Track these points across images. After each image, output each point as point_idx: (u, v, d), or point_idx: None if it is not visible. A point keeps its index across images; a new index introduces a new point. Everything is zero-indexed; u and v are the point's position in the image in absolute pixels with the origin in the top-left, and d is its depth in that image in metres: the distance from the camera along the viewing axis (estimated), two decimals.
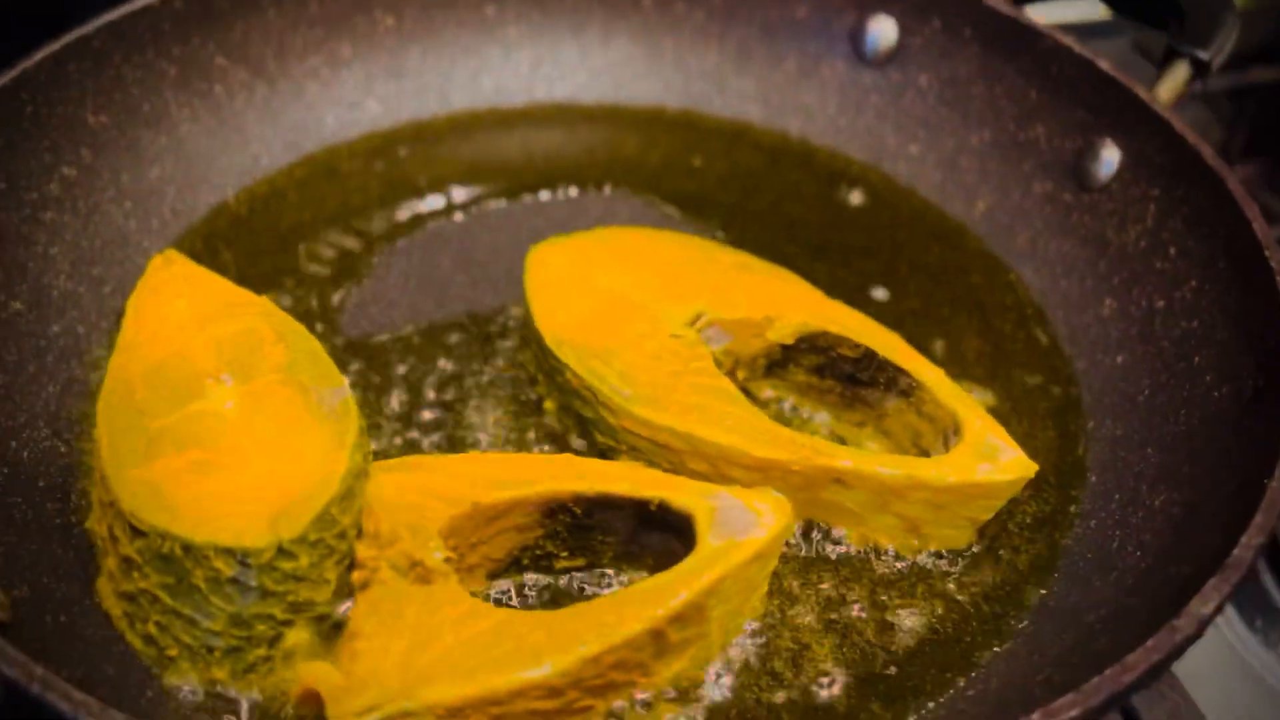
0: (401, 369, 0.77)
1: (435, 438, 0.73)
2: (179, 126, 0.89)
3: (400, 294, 0.83)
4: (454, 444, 0.72)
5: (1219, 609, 0.51)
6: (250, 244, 0.86)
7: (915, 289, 0.84)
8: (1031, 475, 0.65)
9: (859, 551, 0.67)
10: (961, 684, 0.61)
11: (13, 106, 0.77)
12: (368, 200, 0.90)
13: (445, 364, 0.77)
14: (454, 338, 0.80)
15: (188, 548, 0.56)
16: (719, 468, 0.66)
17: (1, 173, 0.76)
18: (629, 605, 0.56)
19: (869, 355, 0.71)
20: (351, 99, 0.96)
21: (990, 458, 0.64)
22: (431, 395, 0.75)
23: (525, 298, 0.74)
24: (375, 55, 0.97)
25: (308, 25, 0.94)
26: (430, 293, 0.83)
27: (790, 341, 0.72)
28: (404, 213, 0.89)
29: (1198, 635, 0.50)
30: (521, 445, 0.72)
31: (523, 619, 0.56)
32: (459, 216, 0.89)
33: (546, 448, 0.72)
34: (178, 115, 0.89)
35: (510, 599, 0.63)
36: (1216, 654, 0.79)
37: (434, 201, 0.90)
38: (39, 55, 0.79)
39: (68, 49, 0.81)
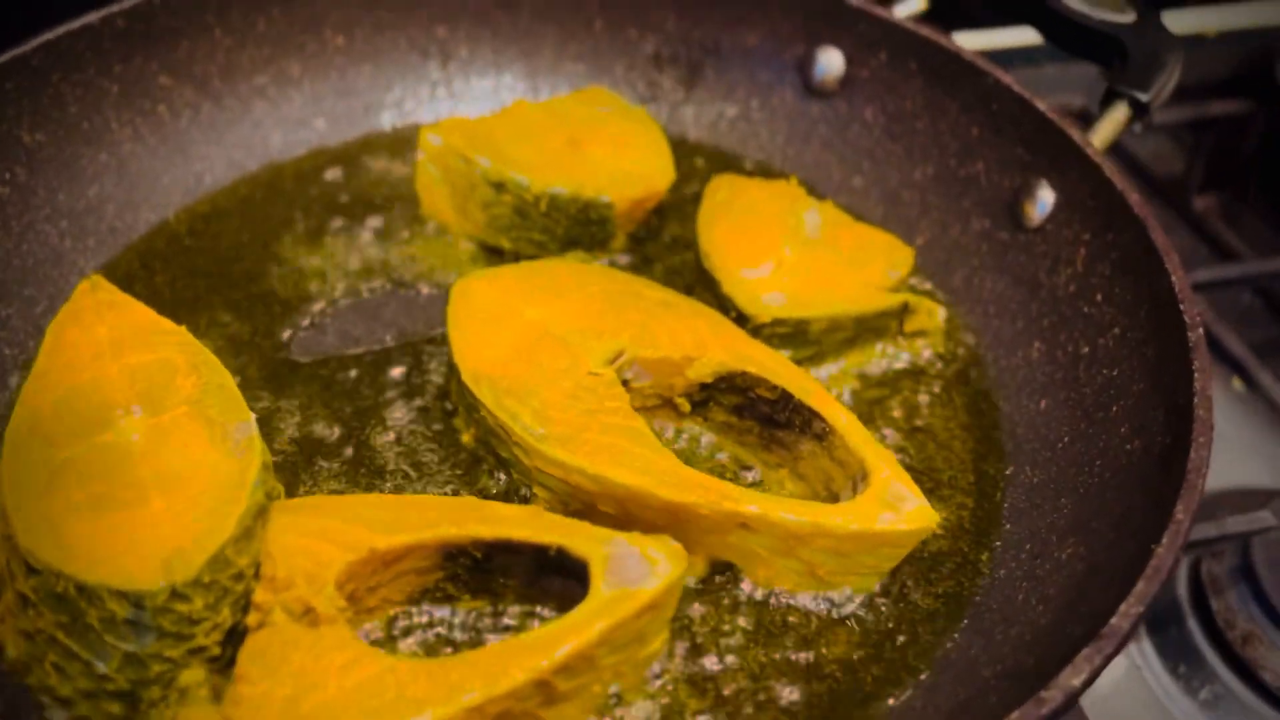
0: (324, 398, 0.77)
1: (349, 468, 0.73)
2: (120, 145, 0.89)
3: (332, 319, 0.83)
4: (368, 476, 0.72)
5: (1091, 679, 0.51)
6: (187, 264, 0.86)
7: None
8: (934, 526, 0.65)
9: (763, 596, 0.67)
10: None
11: None
12: (310, 220, 0.90)
13: (369, 393, 0.77)
14: (383, 365, 0.80)
15: (81, 588, 0.57)
16: (628, 509, 0.66)
17: None
18: (514, 655, 0.56)
19: (785, 397, 0.71)
20: (299, 117, 0.97)
21: (893, 507, 0.64)
22: (351, 425, 0.75)
23: (447, 330, 0.74)
24: (324, 74, 0.97)
25: (255, 44, 0.95)
26: (364, 318, 0.83)
27: (709, 380, 0.72)
28: (343, 234, 0.89)
29: (1068, 706, 0.50)
30: (436, 480, 0.72)
31: (407, 667, 0.56)
32: (400, 239, 0.89)
33: (460, 483, 0.72)
34: (119, 133, 0.89)
35: (410, 640, 0.63)
36: (1137, 699, 0.79)
37: (374, 223, 0.90)
38: None
39: (3, 68, 0.81)
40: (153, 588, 0.56)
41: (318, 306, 0.84)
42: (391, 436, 0.75)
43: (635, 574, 0.60)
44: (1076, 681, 0.50)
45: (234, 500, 0.60)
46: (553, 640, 0.57)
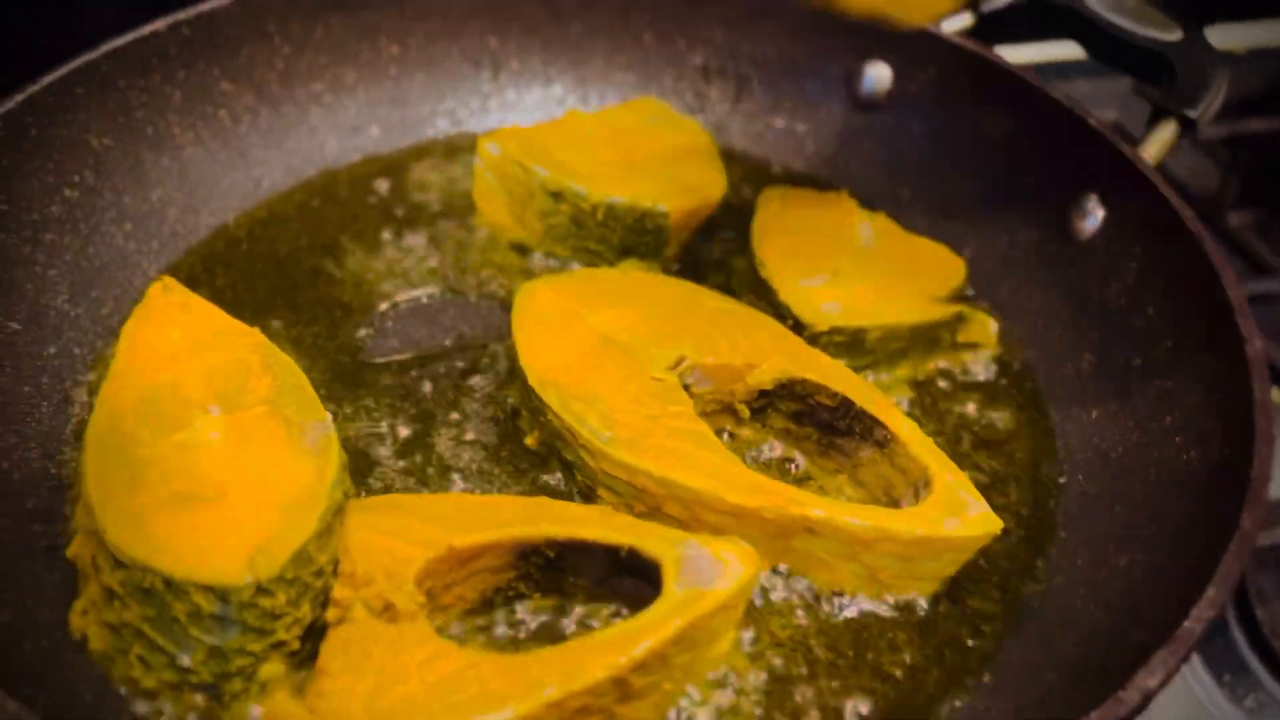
0: (389, 400, 0.79)
1: (417, 470, 0.74)
2: (182, 150, 0.90)
3: (393, 323, 0.84)
4: (436, 476, 0.74)
5: (1165, 681, 0.52)
6: (248, 268, 0.88)
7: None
8: (997, 532, 0.66)
9: (826, 599, 0.68)
10: None
11: (17, 129, 0.79)
12: (365, 226, 0.92)
13: (433, 395, 0.79)
14: (444, 369, 0.81)
15: (169, 582, 0.58)
16: (694, 512, 0.67)
17: (4, 194, 0.78)
18: (592, 652, 0.58)
19: (846, 404, 0.72)
20: (354, 124, 0.98)
21: (958, 512, 0.66)
22: (417, 427, 0.77)
23: (511, 335, 0.75)
24: (379, 82, 0.99)
25: (313, 51, 0.96)
26: (422, 322, 0.85)
27: (770, 387, 0.73)
28: (398, 240, 0.91)
29: (1143, 706, 0.51)
30: (502, 480, 0.74)
31: (488, 662, 0.57)
32: (452, 246, 0.90)
33: (526, 483, 0.73)
34: (181, 138, 0.90)
35: (481, 637, 0.65)
36: (1184, 709, 0.80)
37: (427, 229, 0.92)
38: (45, 80, 0.81)
39: (74, 73, 0.82)
40: (238, 583, 0.58)
41: (377, 310, 0.85)
42: (456, 438, 0.76)
43: (708, 574, 0.61)
44: (1153, 683, 0.51)
45: (314, 498, 0.62)
46: (629, 638, 0.58)
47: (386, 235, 0.91)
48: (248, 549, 0.59)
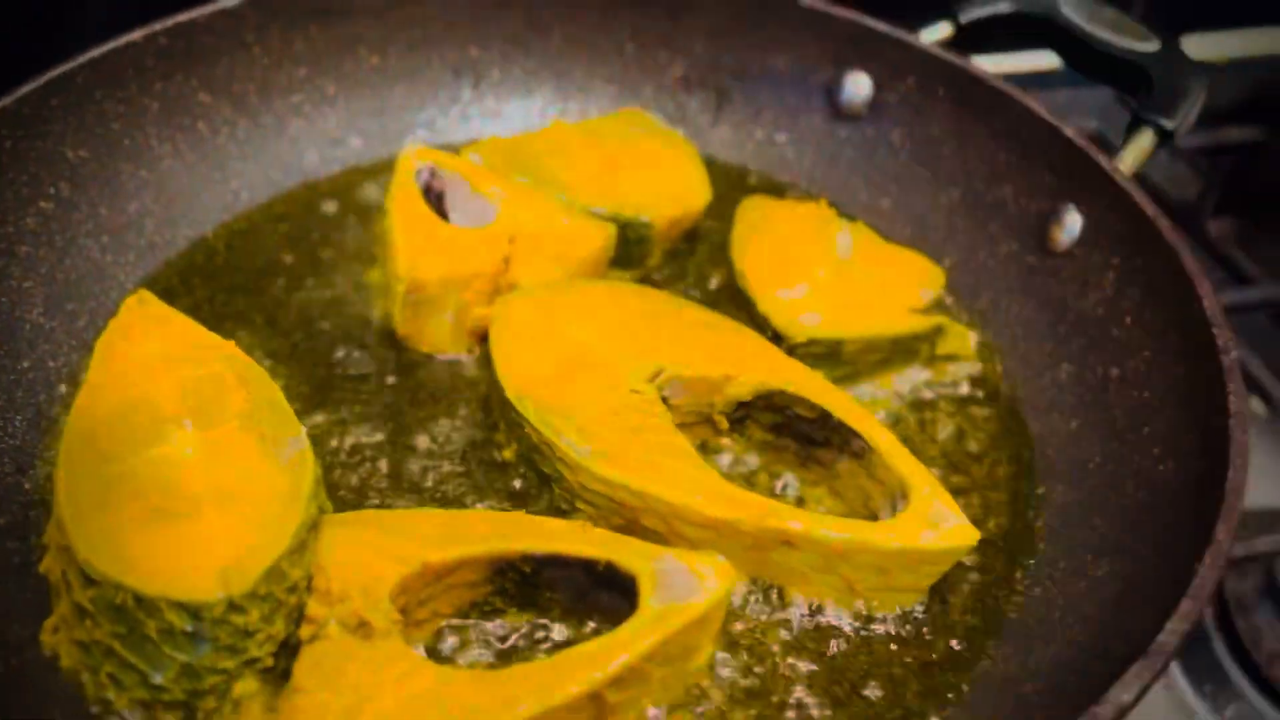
0: (363, 414, 0.78)
1: (391, 484, 0.74)
2: (160, 161, 0.90)
3: (369, 336, 0.84)
4: (411, 490, 0.73)
5: (1141, 695, 0.52)
6: (226, 280, 0.87)
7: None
8: (974, 544, 0.66)
9: (804, 612, 0.68)
10: None
11: None
12: (343, 238, 0.91)
13: (409, 409, 0.78)
14: (419, 382, 0.81)
15: (140, 599, 0.57)
16: (672, 525, 0.67)
17: None
18: (568, 668, 0.57)
19: (824, 416, 0.72)
20: (334, 135, 0.98)
21: (934, 525, 0.66)
22: (392, 441, 0.76)
23: (488, 347, 0.75)
24: (359, 92, 0.99)
25: (292, 63, 0.96)
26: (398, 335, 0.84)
27: (748, 399, 0.73)
28: (378, 251, 0.90)
29: None
30: (477, 494, 0.73)
31: (462, 679, 0.57)
32: None
33: (502, 497, 0.73)
34: (159, 150, 0.90)
35: (457, 654, 0.64)
36: (1165, 718, 0.80)
37: None
38: (20, 92, 0.80)
39: (49, 85, 0.82)
40: (210, 599, 0.57)
41: (354, 323, 0.85)
42: (432, 452, 0.76)
43: (684, 589, 0.61)
44: (1127, 697, 0.51)
45: (288, 514, 0.61)
46: (605, 654, 0.58)
47: (367, 246, 0.91)
48: (220, 565, 0.59)
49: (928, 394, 0.81)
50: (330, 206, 0.94)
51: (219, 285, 0.87)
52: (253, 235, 0.91)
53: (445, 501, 0.72)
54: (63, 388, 0.77)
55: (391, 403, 0.79)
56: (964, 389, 0.82)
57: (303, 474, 0.63)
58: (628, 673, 0.58)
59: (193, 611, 0.57)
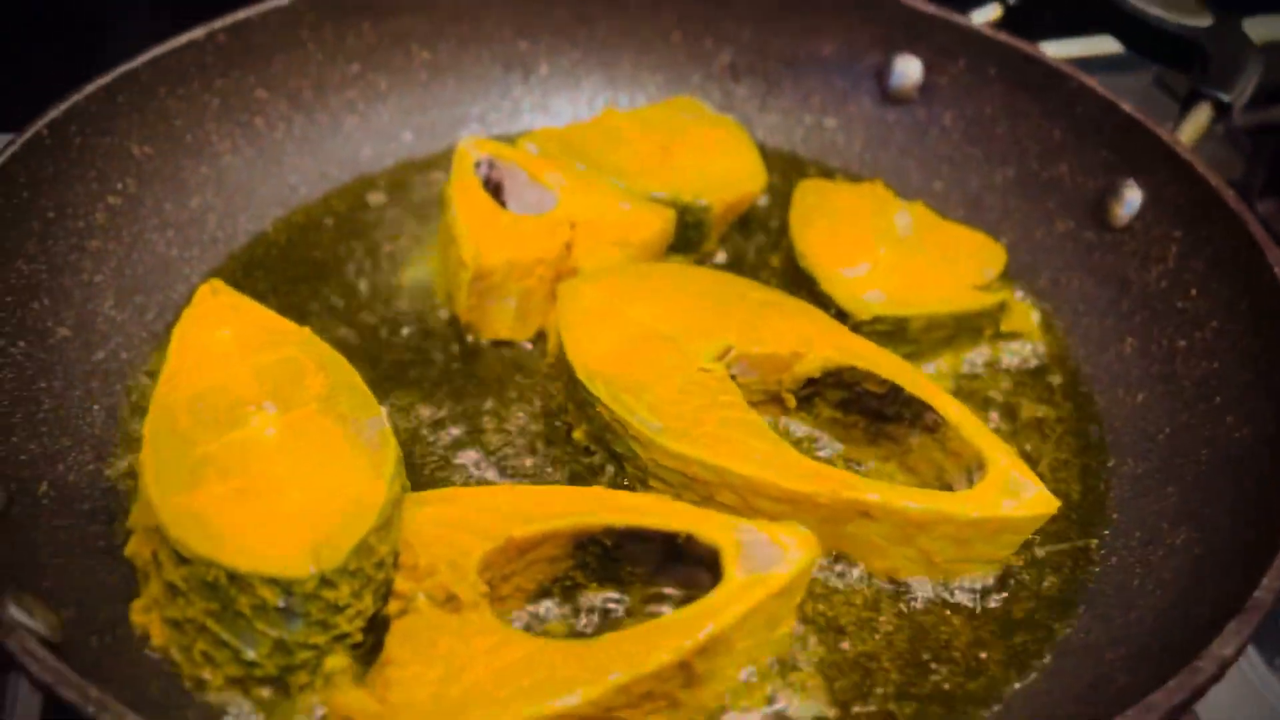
0: (432, 398, 0.79)
1: (465, 465, 0.74)
2: (220, 157, 0.91)
3: (432, 324, 0.84)
4: (485, 471, 0.74)
5: (1240, 651, 0.52)
6: (288, 272, 0.88)
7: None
8: (1054, 511, 0.66)
9: (881, 585, 0.68)
10: (986, 716, 0.62)
11: (62, 137, 0.79)
12: (400, 230, 0.92)
13: (477, 392, 0.79)
14: (486, 366, 0.81)
15: (233, 576, 0.58)
16: (747, 500, 0.67)
17: (51, 201, 0.78)
18: (657, 637, 0.58)
19: (895, 390, 0.72)
20: (387, 130, 0.99)
21: (1014, 494, 0.66)
22: (463, 424, 0.77)
23: (557, 330, 0.76)
24: (410, 88, 1.00)
25: (345, 59, 0.97)
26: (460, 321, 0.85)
27: (817, 375, 0.74)
28: (434, 241, 0.91)
29: (1219, 676, 0.51)
30: (549, 474, 0.74)
31: (554, 649, 0.58)
32: None
33: (574, 476, 0.73)
34: (219, 146, 0.91)
35: (540, 628, 0.65)
36: (1234, 692, 0.79)
37: None
38: (89, 88, 0.81)
39: (116, 82, 0.83)
40: (303, 575, 0.58)
41: (416, 311, 0.86)
42: (503, 434, 0.76)
43: (767, 559, 0.61)
44: (1229, 651, 0.51)
45: (374, 491, 0.62)
46: (693, 623, 0.58)
47: (424, 237, 0.92)
48: (311, 542, 0.59)
49: (992, 371, 0.82)
50: (385, 200, 0.95)
51: (281, 277, 0.88)
52: (311, 229, 0.92)
53: (518, 482, 0.73)
54: (137, 379, 0.78)
55: (459, 388, 0.80)
56: (1028, 365, 0.82)
57: (385, 453, 0.64)
58: (714, 642, 0.59)
59: (285, 587, 0.58)
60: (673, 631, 0.58)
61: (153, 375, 0.79)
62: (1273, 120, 1.17)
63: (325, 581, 0.58)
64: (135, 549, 0.66)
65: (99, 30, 1.15)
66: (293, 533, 0.60)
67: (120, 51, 0.86)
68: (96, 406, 0.75)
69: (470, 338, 0.83)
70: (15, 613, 0.54)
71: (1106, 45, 1.17)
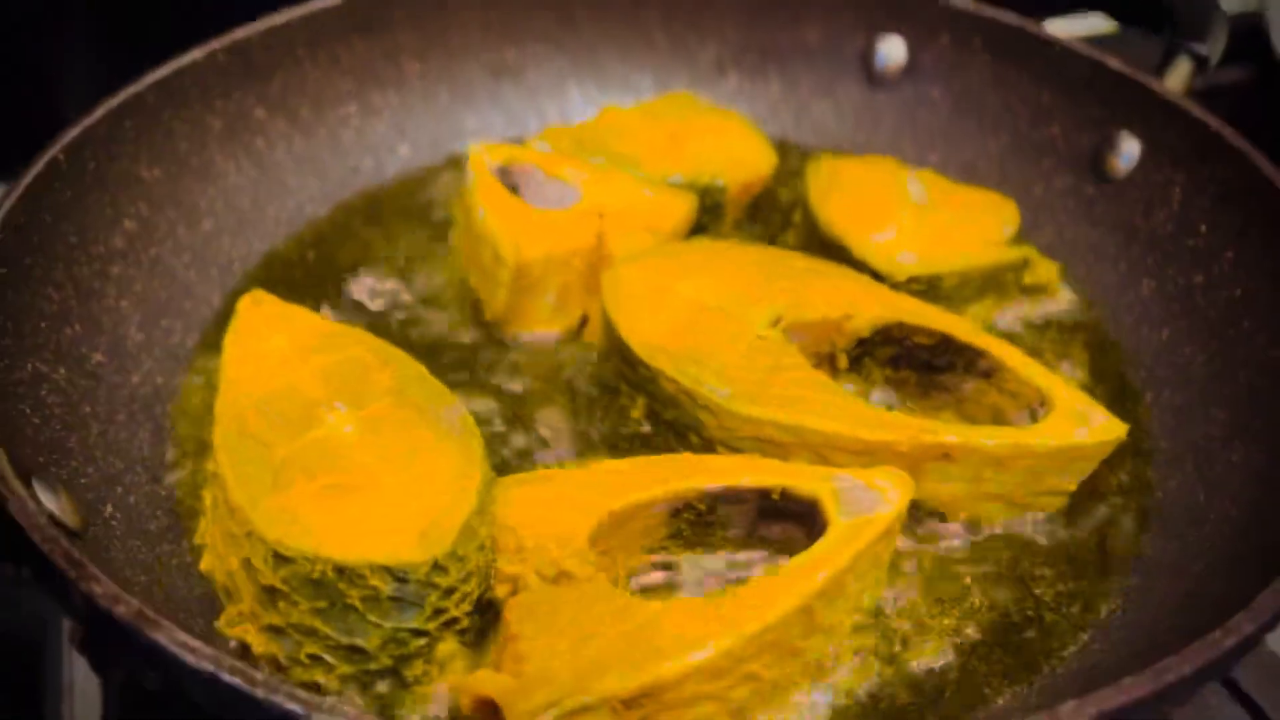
0: (481, 393, 0.78)
1: (531, 451, 0.74)
2: (226, 178, 0.89)
3: (464, 326, 0.84)
4: (551, 456, 0.74)
5: None
6: (307, 289, 0.86)
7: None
8: (1124, 436, 0.69)
9: (961, 524, 0.70)
10: (1087, 639, 0.64)
11: (78, 162, 0.78)
12: (409, 241, 0.92)
13: (526, 386, 0.79)
14: (524, 360, 0.81)
15: (341, 569, 0.57)
16: (824, 456, 0.68)
17: (71, 226, 0.76)
18: (779, 585, 0.58)
19: (946, 341, 0.74)
20: (385, 144, 0.98)
21: (1084, 421, 0.68)
22: (518, 414, 0.76)
23: (605, 315, 0.76)
24: (405, 101, 1.00)
25: (340, 75, 0.96)
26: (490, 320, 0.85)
27: (868, 334, 0.75)
28: (445, 247, 0.90)
29: None
30: (614, 454, 0.74)
31: (679, 607, 0.57)
32: None
33: (638, 455, 0.73)
34: (223, 167, 0.90)
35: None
36: None
37: None
38: (99, 111, 0.80)
39: (123, 105, 0.81)
40: (416, 560, 0.57)
41: (443, 315, 0.85)
42: (560, 421, 0.76)
43: (868, 503, 0.62)
44: None
45: (468, 474, 0.61)
46: (811, 568, 0.59)
47: (429, 248, 0.91)
48: (416, 528, 0.58)
49: (1021, 323, 0.84)
50: (390, 212, 0.95)
51: (303, 294, 0.86)
52: (321, 244, 0.91)
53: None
54: (175, 399, 0.76)
55: (505, 382, 0.79)
56: (1053, 314, 0.85)
57: (469, 436, 0.64)
58: (831, 585, 0.59)
59: (398, 574, 0.57)
60: (793, 579, 0.58)
61: (186, 396, 0.77)
62: (1221, 83, 1.24)
63: (437, 566, 0.58)
64: (211, 564, 0.64)
65: (49, 78, 1.13)
66: (396, 521, 0.59)
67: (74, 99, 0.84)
68: (141, 429, 0.73)
69: (508, 334, 0.83)
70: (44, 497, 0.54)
71: (1079, 28, 1.22)
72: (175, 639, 0.47)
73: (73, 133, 0.77)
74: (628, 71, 1.05)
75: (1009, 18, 0.95)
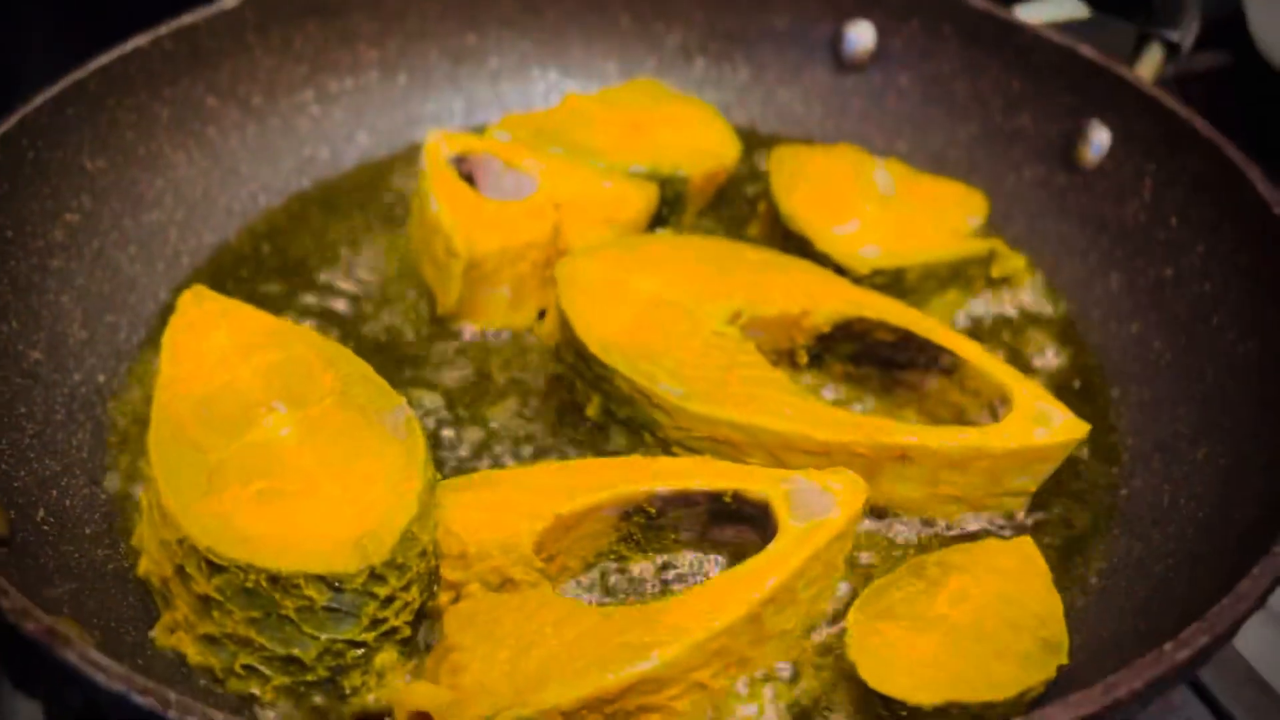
0: (433, 389, 0.76)
1: (480, 452, 0.72)
2: (175, 168, 0.87)
3: (416, 319, 0.82)
4: (501, 455, 0.72)
5: None
6: (257, 281, 0.84)
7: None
8: (1084, 435, 0.67)
9: (915, 527, 0.68)
10: None
11: (15, 152, 0.75)
12: (366, 232, 0.90)
13: (478, 379, 0.77)
14: (477, 356, 0.79)
15: (275, 578, 0.55)
16: (780, 457, 0.66)
17: (8, 219, 0.74)
18: (726, 592, 0.57)
19: (907, 337, 0.72)
20: (342, 132, 0.96)
21: (1044, 422, 0.66)
22: (469, 411, 0.75)
23: (559, 308, 0.74)
24: (363, 88, 0.97)
25: (294, 61, 0.94)
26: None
27: (827, 330, 0.73)
28: (401, 240, 0.88)
29: None
30: (567, 452, 0.72)
31: (623, 615, 0.56)
32: None
33: (592, 452, 0.72)
34: (173, 157, 0.87)
35: (592, 602, 0.63)
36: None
37: None
38: (38, 100, 0.77)
39: (64, 93, 0.79)
40: (352, 569, 0.55)
41: (397, 308, 0.83)
42: (512, 418, 0.74)
43: (819, 506, 0.61)
44: None
45: (409, 479, 0.59)
46: (760, 574, 0.57)
47: (388, 238, 0.89)
48: (352, 535, 0.56)
49: (986, 318, 0.82)
50: (347, 202, 0.92)
51: (250, 286, 0.84)
52: (275, 236, 0.89)
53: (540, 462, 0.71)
54: (118, 397, 0.74)
55: (459, 378, 0.77)
56: (1020, 308, 0.83)
57: (414, 440, 0.62)
58: (781, 591, 0.58)
59: (334, 584, 0.55)
60: (740, 584, 0.57)
61: (130, 394, 0.75)
62: (1196, 69, 1.22)
63: (374, 576, 0.56)
64: (148, 568, 0.63)
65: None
66: (332, 528, 0.57)
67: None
68: (80, 429, 0.71)
69: (462, 328, 0.81)
70: None
71: (1052, 13, 1.20)
72: (86, 657, 0.45)
73: (9, 122, 0.75)
74: (592, 57, 1.03)
75: (979, 3, 0.93)
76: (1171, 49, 0.89)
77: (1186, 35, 0.89)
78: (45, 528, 0.63)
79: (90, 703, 0.47)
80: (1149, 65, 0.87)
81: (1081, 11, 0.96)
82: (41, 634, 0.45)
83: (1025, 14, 1.16)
